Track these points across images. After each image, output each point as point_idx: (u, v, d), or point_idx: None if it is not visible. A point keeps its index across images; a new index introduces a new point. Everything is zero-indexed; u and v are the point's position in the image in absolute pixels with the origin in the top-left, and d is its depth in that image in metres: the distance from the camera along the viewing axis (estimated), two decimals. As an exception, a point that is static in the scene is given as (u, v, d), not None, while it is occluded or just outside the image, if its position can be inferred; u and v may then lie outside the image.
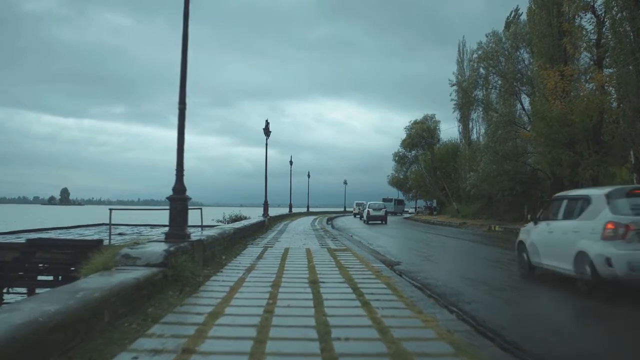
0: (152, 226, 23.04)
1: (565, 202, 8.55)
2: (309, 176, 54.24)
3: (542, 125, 21.89)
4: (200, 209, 16.75)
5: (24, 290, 13.11)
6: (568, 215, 8.16)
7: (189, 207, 7.80)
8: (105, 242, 13.65)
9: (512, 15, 31.43)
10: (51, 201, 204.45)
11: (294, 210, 40.16)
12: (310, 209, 51.53)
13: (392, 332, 4.23)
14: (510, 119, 30.18)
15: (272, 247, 12.55)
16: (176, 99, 7.56)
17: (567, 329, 5.71)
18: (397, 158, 60.66)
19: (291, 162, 40.95)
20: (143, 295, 4.86)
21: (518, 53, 30.15)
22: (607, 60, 21.14)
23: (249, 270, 8.02)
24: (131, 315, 4.38)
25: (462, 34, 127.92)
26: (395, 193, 67.88)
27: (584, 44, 21.94)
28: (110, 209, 16.69)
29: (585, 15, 21.89)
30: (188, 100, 7.59)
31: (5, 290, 13.10)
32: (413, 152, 57.93)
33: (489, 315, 5.79)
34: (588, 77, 22.72)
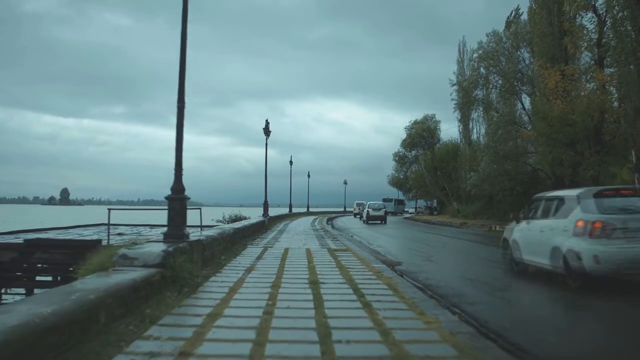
0: (152, 226, 23.01)
1: (543, 203, 9.12)
2: (309, 176, 54.39)
3: (542, 125, 21.84)
4: (200, 208, 16.72)
5: (22, 290, 13.07)
6: (545, 215, 8.72)
7: (188, 207, 7.75)
8: (104, 242, 13.60)
9: (512, 15, 31.37)
10: (51, 201, 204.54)
11: (294, 210, 40.16)
12: (310, 209, 51.54)
13: (394, 334, 4.16)
14: (511, 118, 30.09)
15: (272, 247, 12.49)
16: (176, 99, 7.50)
17: (568, 329, 5.71)
18: (397, 158, 60.76)
19: (291, 162, 41.06)
20: (140, 297, 4.79)
21: (518, 53, 30.07)
22: (608, 59, 21.11)
23: (249, 270, 7.96)
24: (128, 317, 4.31)
25: (462, 33, 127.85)
26: (395, 193, 68.04)
27: (585, 44, 21.87)
28: (109, 209, 16.65)
29: (586, 14, 21.87)
30: (188, 100, 7.55)
31: (3, 291, 13.06)
32: (413, 152, 58.00)
33: (491, 316, 5.75)
34: (589, 76, 22.72)
